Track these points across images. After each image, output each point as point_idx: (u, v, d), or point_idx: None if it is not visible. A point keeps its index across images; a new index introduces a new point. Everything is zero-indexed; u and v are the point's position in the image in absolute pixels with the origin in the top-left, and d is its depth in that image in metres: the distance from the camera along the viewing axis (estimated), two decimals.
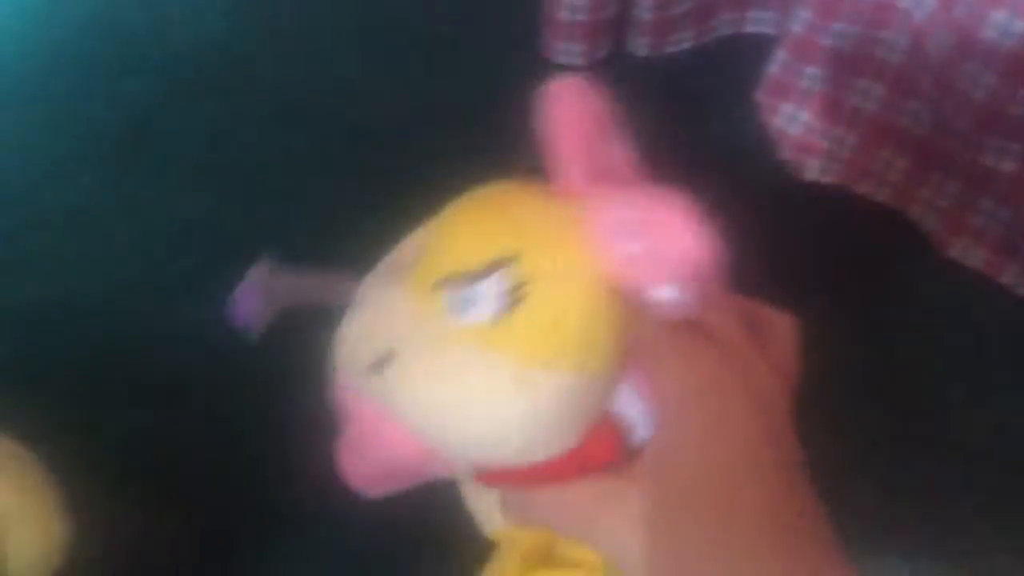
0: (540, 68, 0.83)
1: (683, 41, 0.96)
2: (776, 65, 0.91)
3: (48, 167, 0.68)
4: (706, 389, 0.34)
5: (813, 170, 0.91)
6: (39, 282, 0.63)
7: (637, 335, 0.35)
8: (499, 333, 0.35)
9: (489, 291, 0.35)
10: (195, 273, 0.63)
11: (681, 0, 0.92)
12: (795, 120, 0.91)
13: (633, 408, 0.37)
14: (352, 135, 0.75)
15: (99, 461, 0.52)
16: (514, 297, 0.35)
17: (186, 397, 0.61)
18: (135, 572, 0.52)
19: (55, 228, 0.65)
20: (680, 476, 0.34)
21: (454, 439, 0.36)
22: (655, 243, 0.33)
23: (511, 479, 0.39)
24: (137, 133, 0.71)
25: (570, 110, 0.36)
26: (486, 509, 0.46)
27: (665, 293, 0.34)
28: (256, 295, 0.51)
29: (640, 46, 0.94)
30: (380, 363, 0.37)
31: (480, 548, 0.53)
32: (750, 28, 0.98)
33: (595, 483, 0.37)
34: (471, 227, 0.37)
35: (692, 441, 0.34)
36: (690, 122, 0.84)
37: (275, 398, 0.60)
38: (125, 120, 0.70)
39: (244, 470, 0.58)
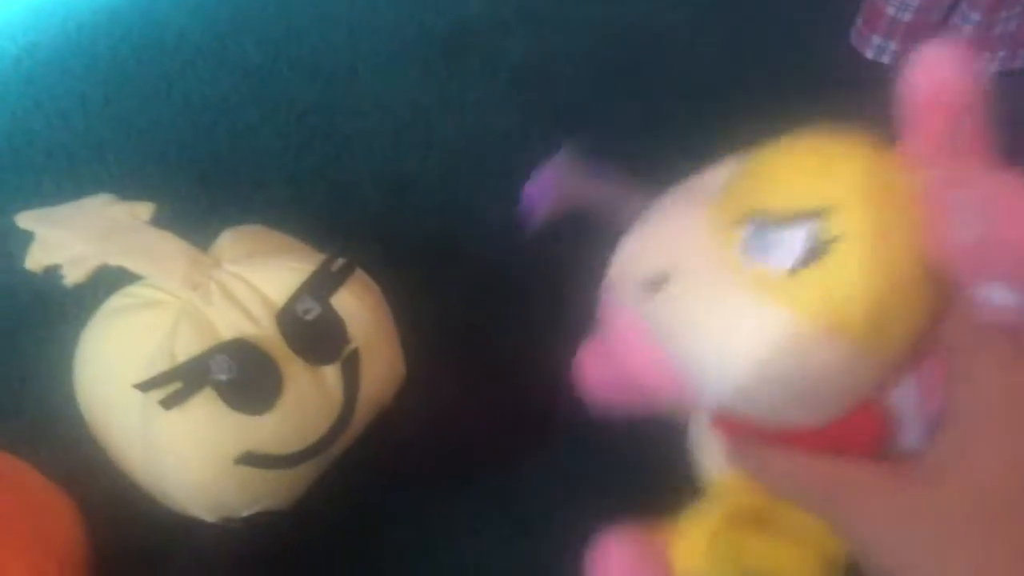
0: (844, 54, 0.77)
1: (992, 61, 0.87)
2: None
3: (380, 62, 0.70)
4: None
5: None
6: (363, 167, 0.66)
7: (947, 331, 0.32)
8: (790, 286, 0.33)
9: (793, 239, 0.33)
10: (501, 176, 0.63)
11: (1004, 21, 0.83)
12: None
13: (909, 404, 0.34)
14: (676, 87, 0.72)
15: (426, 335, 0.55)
16: (818, 252, 0.32)
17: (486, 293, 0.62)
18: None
19: (379, 117, 0.67)
20: (989, 492, 0.31)
21: (712, 380, 0.35)
22: (1001, 232, 0.29)
23: (755, 434, 0.37)
24: (462, 41, 0.72)
25: (940, 74, 0.33)
26: (711, 453, 0.44)
27: (997, 293, 0.30)
28: (548, 185, 0.52)
29: None
30: (654, 283, 0.37)
31: (690, 489, 0.53)
32: None
33: (843, 466, 0.35)
34: (791, 169, 0.35)
35: (1004, 459, 0.31)
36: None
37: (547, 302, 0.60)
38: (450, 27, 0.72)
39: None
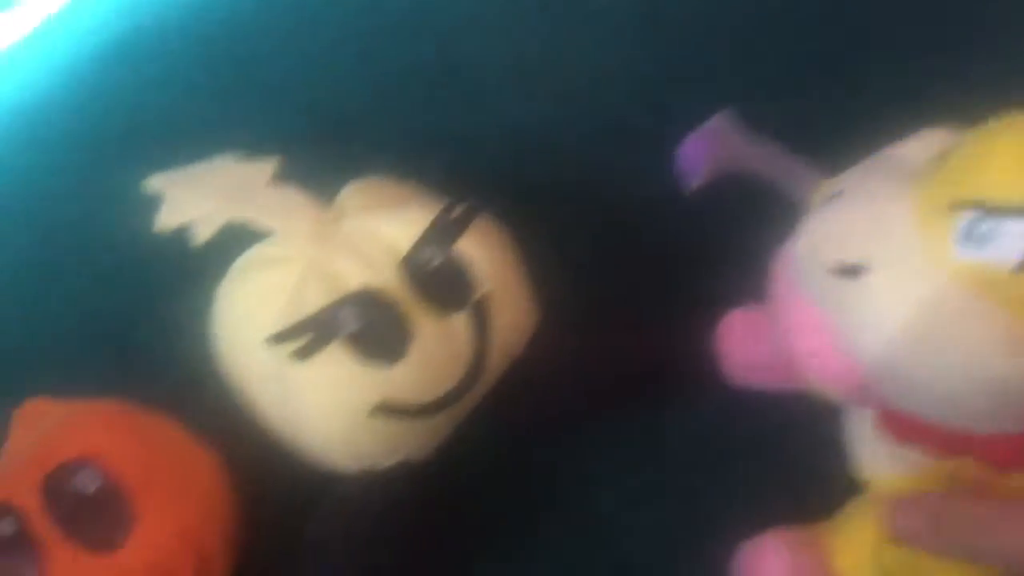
0: None
1: None
2: None
3: (510, 11, 0.68)
4: None
5: None
6: (490, 120, 0.64)
7: None
8: (1012, 283, 0.30)
9: (1020, 232, 0.30)
10: (636, 129, 0.61)
11: None
12: None
13: None
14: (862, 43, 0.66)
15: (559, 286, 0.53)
16: None
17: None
18: None
19: (508, 67, 0.65)
20: None
21: (907, 381, 0.32)
22: None
23: (933, 440, 0.34)
24: None
25: None
26: (872, 451, 0.43)
27: None
28: (705, 147, 0.49)
29: None
30: (849, 270, 0.34)
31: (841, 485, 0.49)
32: None
33: None
34: (1019, 154, 0.31)
35: None
36: None
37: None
38: None
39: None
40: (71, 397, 0.50)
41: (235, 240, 0.50)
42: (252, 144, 0.51)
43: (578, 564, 0.53)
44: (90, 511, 0.44)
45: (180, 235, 0.49)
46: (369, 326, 0.46)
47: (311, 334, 0.46)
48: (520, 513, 0.54)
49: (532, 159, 0.61)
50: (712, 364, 0.54)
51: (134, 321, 0.57)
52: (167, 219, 0.49)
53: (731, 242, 0.57)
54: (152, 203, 0.49)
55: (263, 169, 0.50)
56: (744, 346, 0.52)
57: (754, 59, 0.63)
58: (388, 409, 0.47)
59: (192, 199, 0.49)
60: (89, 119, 0.66)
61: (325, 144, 0.60)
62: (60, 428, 0.46)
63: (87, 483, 0.44)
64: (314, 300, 0.47)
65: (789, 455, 0.54)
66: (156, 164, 0.50)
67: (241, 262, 0.51)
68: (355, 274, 0.48)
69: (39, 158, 0.64)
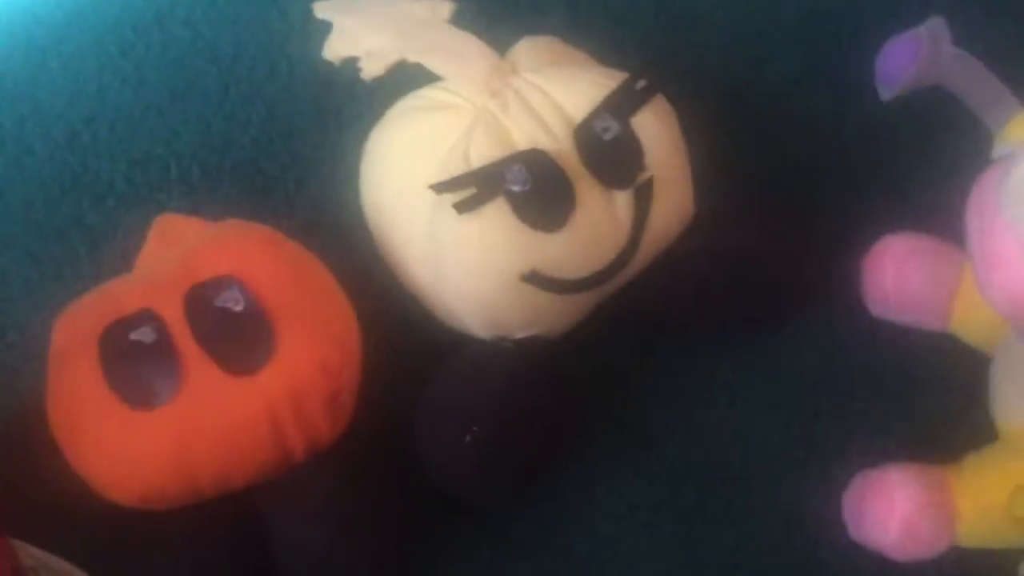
0: None
1: None
2: None
3: None
4: None
5: None
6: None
7: None
8: None
9: None
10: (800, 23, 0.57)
11: None
12: None
13: None
14: None
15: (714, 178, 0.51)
16: None
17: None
18: None
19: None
20: None
21: None
22: None
23: None
24: None
25: None
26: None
27: None
28: (908, 54, 0.46)
29: None
30: None
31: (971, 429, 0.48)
32: None
33: None
34: None
35: None
36: None
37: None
38: None
39: None
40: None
41: (393, 80, 0.48)
42: None
43: (696, 472, 0.52)
44: (232, 331, 0.42)
45: (344, 67, 0.47)
46: (536, 188, 0.44)
47: (476, 188, 0.44)
48: (633, 410, 0.53)
49: (708, 52, 0.58)
50: (855, 288, 0.52)
51: (272, 153, 0.54)
52: (336, 49, 0.47)
53: (901, 165, 0.55)
54: (321, 30, 0.47)
55: (438, 10, 0.48)
56: (895, 274, 0.50)
57: None
58: (537, 279, 0.46)
59: (364, 31, 0.47)
60: None
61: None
62: (207, 245, 0.45)
63: (232, 302, 0.42)
64: (480, 154, 0.45)
65: (918, 393, 0.53)
66: None
67: (403, 105, 0.49)
68: (526, 133, 0.46)
69: None
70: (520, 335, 0.48)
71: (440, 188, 0.44)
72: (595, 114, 0.46)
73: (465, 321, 0.47)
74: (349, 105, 0.53)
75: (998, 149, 0.45)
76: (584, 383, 0.50)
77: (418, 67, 0.46)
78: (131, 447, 0.40)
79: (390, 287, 0.49)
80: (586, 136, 0.46)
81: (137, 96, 0.54)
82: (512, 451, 0.46)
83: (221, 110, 0.54)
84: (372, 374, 0.47)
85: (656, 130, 0.47)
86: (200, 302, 0.42)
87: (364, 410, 0.47)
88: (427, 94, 0.48)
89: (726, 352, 0.53)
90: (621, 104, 0.46)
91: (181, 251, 0.45)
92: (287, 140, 0.54)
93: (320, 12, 0.48)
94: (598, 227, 0.46)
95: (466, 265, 0.45)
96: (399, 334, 0.49)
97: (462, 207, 0.44)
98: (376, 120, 0.49)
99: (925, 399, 0.53)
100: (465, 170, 0.45)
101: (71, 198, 0.53)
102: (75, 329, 0.43)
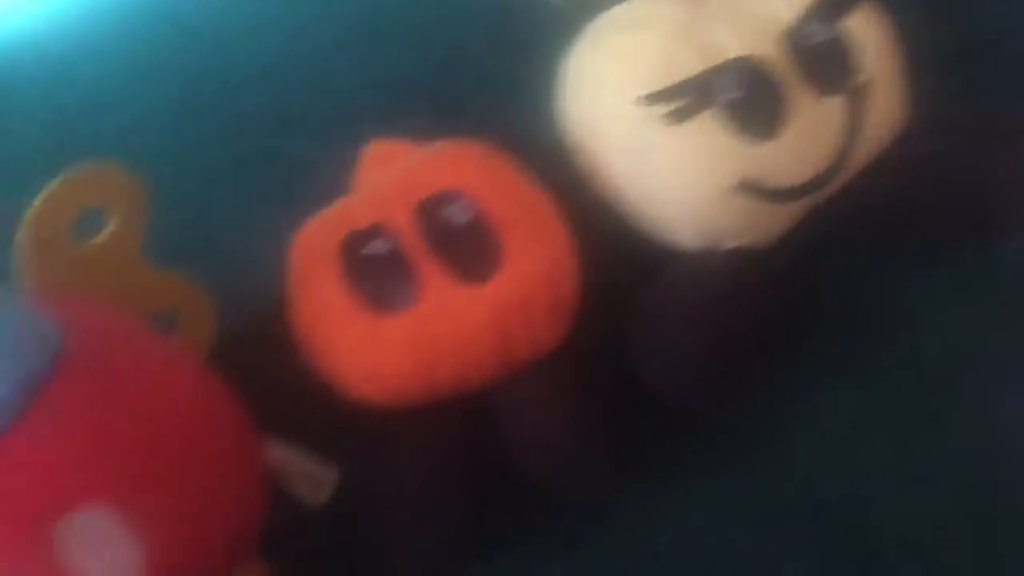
0: None
1: None
2: None
3: None
4: None
5: None
6: None
7: None
8: None
9: None
10: None
11: None
12: None
13: None
14: None
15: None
16: None
17: None
18: None
19: None
20: None
21: None
22: None
23: None
24: None
25: None
26: None
27: None
28: None
29: None
30: None
31: None
32: None
33: None
34: None
35: None
36: None
37: None
38: None
39: None
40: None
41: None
42: None
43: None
44: (461, 242, 0.45)
45: None
46: (748, 97, 0.45)
47: (687, 98, 0.45)
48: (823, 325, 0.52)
49: None
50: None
51: (463, 77, 0.56)
52: None
53: None
54: None
55: None
56: None
57: None
58: (750, 187, 0.46)
59: None
60: None
61: None
62: (428, 162, 0.47)
63: (459, 214, 0.45)
64: (687, 65, 0.46)
65: None
66: None
67: (603, 22, 0.50)
68: (734, 42, 0.46)
69: None
70: (730, 245, 0.48)
71: (651, 100, 0.45)
72: (805, 18, 0.46)
73: (676, 233, 0.48)
74: (536, 28, 0.54)
75: None
76: (791, 291, 0.50)
77: None
78: (376, 350, 0.43)
79: (594, 203, 0.50)
80: (797, 41, 0.46)
81: (330, 31, 0.57)
82: (730, 358, 0.47)
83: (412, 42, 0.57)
84: (584, 286, 0.48)
85: (868, 34, 0.46)
86: (429, 214, 0.45)
87: (578, 321, 0.48)
88: (625, 9, 0.49)
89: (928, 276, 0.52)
90: (834, 7, 0.46)
91: (402, 170, 0.47)
92: (477, 63, 0.56)
93: None
94: (811, 134, 0.46)
95: (679, 176, 0.46)
96: (606, 248, 0.51)
97: (673, 118, 0.45)
98: (568, 39, 0.50)
99: None
100: (673, 82, 0.45)
101: (272, 128, 0.57)
102: (314, 244, 0.46)
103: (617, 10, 0.50)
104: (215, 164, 0.57)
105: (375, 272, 0.44)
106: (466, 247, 0.44)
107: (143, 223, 0.45)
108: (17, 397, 0.34)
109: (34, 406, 0.34)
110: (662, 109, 0.45)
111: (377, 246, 0.44)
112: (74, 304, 0.38)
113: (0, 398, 0.33)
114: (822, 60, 0.46)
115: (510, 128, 0.54)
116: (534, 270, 0.45)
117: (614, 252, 0.51)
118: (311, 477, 0.45)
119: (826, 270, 0.52)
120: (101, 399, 0.36)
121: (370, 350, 0.44)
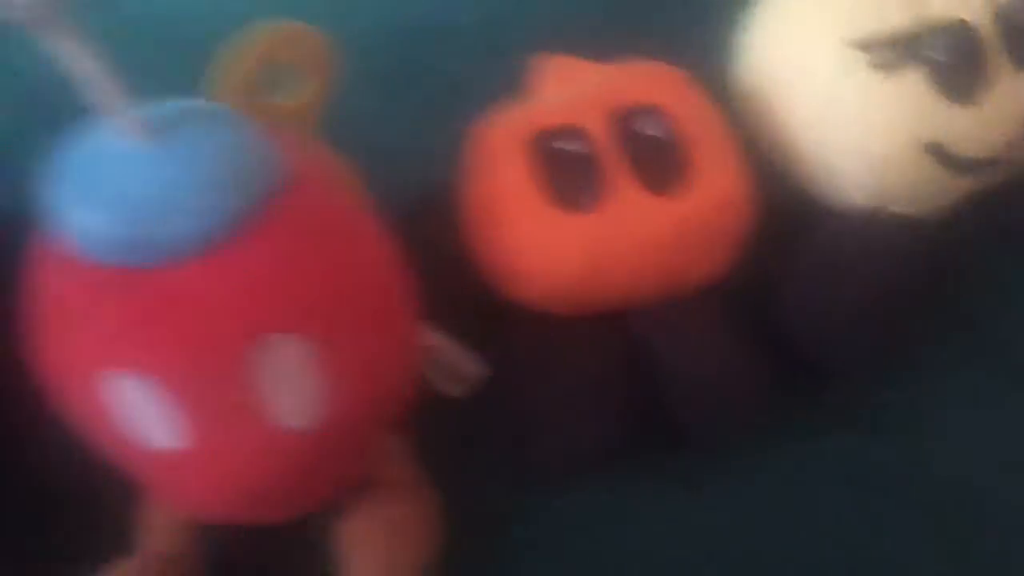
0: None
1: None
2: None
3: None
4: None
5: None
6: None
7: None
8: None
9: None
10: None
11: None
12: None
13: None
14: None
15: None
16: None
17: None
18: None
19: None
20: None
21: None
22: None
23: None
24: None
25: None
26: None
27: None
28: None
29: None
30: None
31: None
32: None
33: None
34: None
35: None
36: None
37: None
38: None
39: None
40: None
41: None
42: None
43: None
44: (652, 153, 0.44)
45: None
46: (954, 60, 0.44)
47: (895, 51, 0.45)
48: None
49: None
50: None
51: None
52: None
53: None
54: None
55: None
56: None
57: None
58: (938, 151, 0.46)
59: None
60: None
61: None
62: (628, 76, 0.46)
63: (652, 127, 0.44)
64: (896, 19, 0.45)
65: None
66: None
67: None
68: (947, 4, 0.46)
69: None
70: (896, 209, 0.48)
71: (862, 46, 0.45)
72: None
73: (847, 188, 0.48)
74: None
75: None
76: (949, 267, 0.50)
77: None
78: (555, 243, 0.42)
79: (760, 146, 0.50)
80: (1007, 14, 0.45)
81: None
82: (885, 321, 0.46)
83: None
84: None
85: None
86: (622, 122, 0.44)
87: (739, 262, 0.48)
88: None
89: None
90: None
91: (596, 82, 0.46)
92: None
93: None
94: (1005, 107, 0.46)
95: (870, 127, 0.46)
96: (766, 195, 0.50)
97: (879, 66, 0.45)
98: None
99: None
100: (884, 32, 0.45)
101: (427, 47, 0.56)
102: (501, 135, 0.45)
103: None
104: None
105: (564, 168, 0.43)
106: (656, 160, 0.44)
107: (329, 90, 0.44)
108: (244, 211, 0.33)
109: (254, 226, 0.33)
110: (868, 57, 0.45)
111: (570, 143, 0.43)
112: (288, 142, 0.37)
113: (231, 208, 0.32)
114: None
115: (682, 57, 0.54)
116: (719, 194, 0.44)
117: (774, 200, 0.50)
118: (459, 369, 0.44)
119: (979, 254, 0.52)
120: (308, 236, 0.35)
121: (549, 243, 0.43)
